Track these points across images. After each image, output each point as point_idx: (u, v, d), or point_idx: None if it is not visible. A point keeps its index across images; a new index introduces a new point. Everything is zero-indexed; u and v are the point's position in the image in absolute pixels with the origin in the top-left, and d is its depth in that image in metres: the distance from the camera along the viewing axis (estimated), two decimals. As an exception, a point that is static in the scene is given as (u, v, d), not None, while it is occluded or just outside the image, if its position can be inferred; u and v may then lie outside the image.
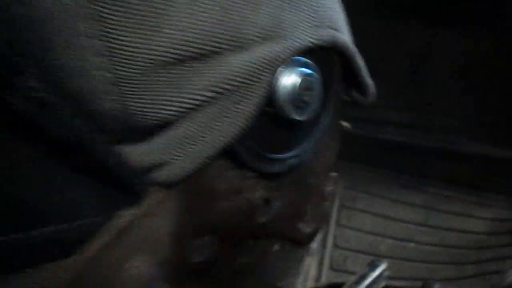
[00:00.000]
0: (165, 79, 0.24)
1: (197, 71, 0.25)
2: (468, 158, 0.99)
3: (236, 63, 0.27)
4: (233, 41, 0.26)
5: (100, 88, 0.23)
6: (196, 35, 0.24)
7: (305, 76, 0.31)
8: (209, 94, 0.26)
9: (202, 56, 0.25)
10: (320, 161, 0.40)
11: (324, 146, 0.40)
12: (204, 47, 0.25)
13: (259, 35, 0.28)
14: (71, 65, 0.22)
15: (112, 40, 0.22)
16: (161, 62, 0.24)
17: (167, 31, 0.23)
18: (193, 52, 0.25)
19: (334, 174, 0.43)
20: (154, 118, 0.25)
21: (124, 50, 0.23)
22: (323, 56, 0.34)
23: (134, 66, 0.23)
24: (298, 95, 0.31)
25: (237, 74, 0.27)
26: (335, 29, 0.33)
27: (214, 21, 0.25)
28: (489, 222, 0.90)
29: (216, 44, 0.25)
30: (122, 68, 0.23)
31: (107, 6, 0.21)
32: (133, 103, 0.24)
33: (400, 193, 0.99)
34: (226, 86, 0.27)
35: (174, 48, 0.24)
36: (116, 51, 0.22)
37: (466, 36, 0.94)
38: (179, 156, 0.28)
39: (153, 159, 0.27)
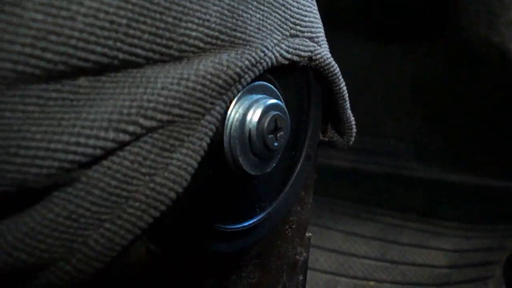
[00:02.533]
0: (23, 107, 0.15)
1: (95, 97, 0.16)
2: (419, 184, 0.96)
3: (166, 80, 0.17)
4: (162, 46, 0.17)
5: None
6: (87, 32, 0.16)
7: (270, 110, 0.21)
8: (119, 136, 0.17)
9: (102, 71, 0.16)
10: (292, 221, 0.30)
11: (295, 202, 0.29)
12: (106, 54, 0.16)
13: (206, 39, 0.18)
14: None
15: None
16: (8, 75, 0.15)
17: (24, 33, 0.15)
18: (83, 61, 0.16)
19: (308, 235, 0.32)
20: (5, 181, 0.15)
21: None
22: (298, 76, 0.24)
23: None
24: (262, 140, 0.20)
25: (166, 100, 0.16)
26: (316, 42, 0.23)
27: (122, 11, 0.16)
28: (449, 253, 0.85)
29: (131, 50, 0.17)
30: None
31: None
32: None
33: (353, 224, 0.93)
34: (148, 123, 0.16)
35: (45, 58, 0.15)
36: None
37: (415, 56, 0.90)
38: (62, 250, 0.17)
39: (17, 258, 0.16)
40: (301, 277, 0.32)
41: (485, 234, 0.85)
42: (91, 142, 0.16)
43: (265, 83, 0.22)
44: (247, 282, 0.27)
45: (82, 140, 0.16)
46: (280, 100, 0.22)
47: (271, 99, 0.21)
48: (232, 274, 0.26)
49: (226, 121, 0.20)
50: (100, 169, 0.17)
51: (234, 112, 0.20)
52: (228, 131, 0.20)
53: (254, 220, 0.24)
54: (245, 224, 0.24)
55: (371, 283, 0.83)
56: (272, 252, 0.29)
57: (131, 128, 0.17)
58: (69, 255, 0.17)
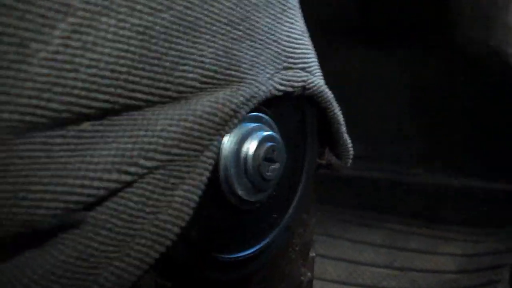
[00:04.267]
0: (30, 153, 0.16)
1: (98, 140, 0.17)
2: (424, 189, 0.96)
3: (166, 122, 0.18)
4: (160, 88, 0.18)
5: None
6: (90, 82, 0.17)
7: (265, 141, 0.21)
8: (121, 176, 0.18)
9: (104, 115, 0.17)
10: (295, 243, 0.30)
11: (299, 224, 0.29)
12: (108, 100, 0.17)
13: (203, 79, 0.19)
14: None
15: None
16: (16, 125, 0.16)
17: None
18: (86, 108, 0.17)
19: (312, 254, 0.33)
20: (14, 223, 0.16)
21: None
22: (292, 105, 0.24)
23: None
24: (258, 171, 0.21)
25: (166, 141, 0.17)
26: (308, 71, 0.24)
27: (122, 59, 0.17)
28: (458, 258, 0.85)
29: (132, 95, 0.18)
30: None
31: None
32: None
33: (361, 232, 0.93)
34: (149, 164, 0.16)
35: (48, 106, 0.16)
36: None
37: (413, 62, 0.91)
38: None
39: None
40: (306, 298, 0.32)
41: (493, 237, 0.85)
42: (95, 183, 0.17)
43: (260, 114, 0.23)
44: (254, 306, 0.28)
45: (86, 182, 0.17)
46: (275, 131, 0.23)
47: (266, 130, 0.22)
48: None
49: (220, 152, 0.21)
50: (106, 210, 0.17)
51: (229, 143, 0.21)
52: (223, 161, 0.21)
53: (257, 247, 0.24)
54: (249, 252, 0.24)
55: (381, 291, 0.83)
56: (276, 275, 0.29)
57: (132, 169, 0.17)
58: None
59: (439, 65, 0.89)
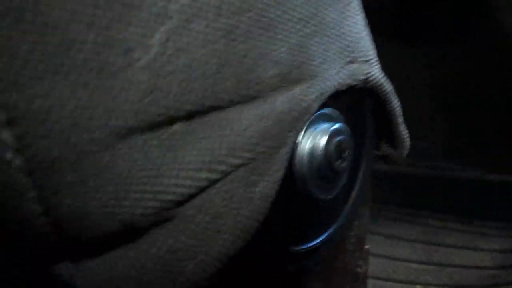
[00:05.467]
0: (130, 156, 0.17)
1: (188, 140, 0.18)
2: (460, 184, 0.95)
3: (248, 122, 0.19)
4: (243, 88, 0.19)
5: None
6: (184, 86, 0.17)
7: (335, 135, 0.22)
8: (211, 175, 0.18)
9: (192, 116, 0.18)
10: (351, 236, 0.31)
11: (355, 218, 0.30)
12: (197, 102, 0.18)
13: (280, 77, 0.19)
14: None
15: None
16: (120, 130, 0.16)
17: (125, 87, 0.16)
18: (181, 111, 0.17)
19: (367, 247, 0.33)
20: (114, 222, 0.17)
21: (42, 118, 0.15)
22: (353, 97, 0.25)
23: (66, 144, 0.16)
24: (329, 164, 0.22)
25: (250, 139, 0.17)
26: (370, 64, 0.24)
27: (211, 61, 0.18)
28: (497, 254, 0.84)
29: (219, 96, 0.18)
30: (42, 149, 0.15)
31: None
32: (70, 201, 0.16)
33: (396, 228, 0.92)
34: (235, 161, 0.17)
35: (141, 110, 0.17)
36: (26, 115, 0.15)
37: (442, 58, 0.89)
38: (163, 281, 0.19)
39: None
40: (361, 290, 0.33)
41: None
42: (187, 182, 0.18)
43: (331, 109, 0.23)
44: (313, 296, 0.28)
45: (179, 181, 0.18)
46: (343, 124, 0.24)
47: (336, 124, 0.23)
48: (300, 290, 0.28)
49: (295, 150, 0.22)
50: (194, 207, 0.18)
51: (304, 140, 0.22)
52: (298, 159, 0.22)
53: (320, 239, 0.25)
54: (312, 243, 0.25)
55: (418, 286, 0.82)
56: (334, 267, 0.30)
57: (221, 167, 0.18)
58: (170, 285, 0.19)
59: (470, 59, 0.88)
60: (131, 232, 0.18)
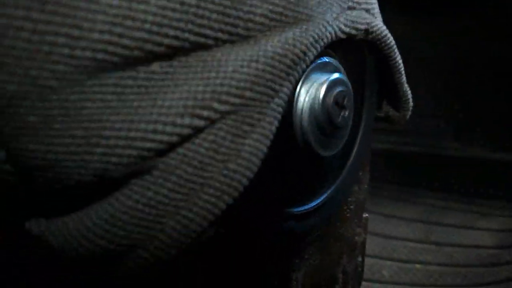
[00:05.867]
0: (102, 96, 0.15)
1: (169, 82, 0.16)
2: (462, 163, 0.94)
3: (237, 63, 0.17)
4: (229, 25, 0.17)
5: None
6: (160, 15, 0.16)
7: (335, 86, 0.20)
8: (194, 121, 0.17)
9: (173, 54, 0.16)
10: (350, 202, 0.29)
11: (354, 182, 0.28)
12: (178, 36, 0.16)
13: (271, 15, 0.18)
14: None
15: None
16: (88, 64, 0.14)
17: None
18: (156, 45, 0.16)
19: (365, 215, 0.32)
20: (87, 171, 0.15)
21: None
22: (353, 50, 0.23)
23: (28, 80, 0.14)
24: (328, 117, 0.20)
25: (238, 83, 0.17)
26: (372, 14, 0.23)
27: None
28: (496, 233, 0.83)
29: (201, 31, 0.17)
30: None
31: None
32: (35, 146, 0.14)
33: (395, 207, 0.91)
34: (222, 107, 0.15)
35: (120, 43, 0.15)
36: None
37: (453, 32, 0.87)
38: (140, 237, 0.17)
39: (97, 244, 0.17)
40: (360, 258, 0.31)
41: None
42: (168, 129, 0.16)
43: (330, 59, 0.22)
44: (309, 264, 0.27)
45: (159, 127, 0.16)
46: (344, 75, 0.22)
47: (335, 74, 0.21)
48: (295, 257, 0.26)
49: (294, 102, 0.20)
50: (177, 156, 0.17)
51: (303, 92, 0.20)
52: (297, 112, 0.20)
53: (318, 201, 0.24)
54: (309, 206, 0.23)
55: (417, 265, 0.82)
56: (332, 234, 0.28)
57: (205, 113, 0.16)
58: (147, 242, 0.17)
59: (483, 40, 0.86)
60: (106, 183, 0.16)
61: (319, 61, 0.21)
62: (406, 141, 0.98)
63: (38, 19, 0.14)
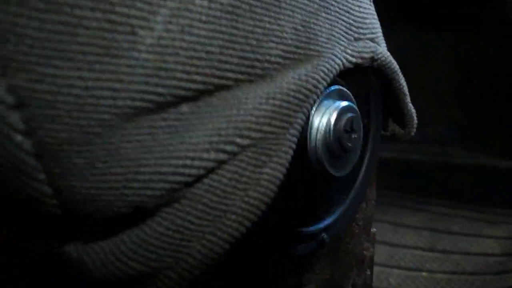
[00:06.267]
0: (138, 137, 0.17)
1: (195, 121, 0.18)
2: (468, 171, 0.94)
3: (256, 101, 0.19)
4: (248, 67, 0.19)
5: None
6: (189, 65, 0.17)
7: (345, 113, 0.22)
8: (219, 155, 0.18)
9: (199, 97, 0.18)
10: (358, 218, 0.31)
11: (362, 200, 0.30)
12: (203, 81, 0.18)
13: (285, 55, 0.20)
14: None
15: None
16: (127, 111, 0.16)
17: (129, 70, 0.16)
18: (185, 90, 0.17)
19: (373, 230, 0.33)
20: (124, 204, 0.17)
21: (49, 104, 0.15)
22: (359, 77, 0.25)
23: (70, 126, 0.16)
24: (339, 142, 0.22)
25: (258, 119, 0.18)
26: (376, 42, 0.24)
27: (215, 40, 0.18)
28: (503, 241, 0.84)
29: (224, 75, 0.18)
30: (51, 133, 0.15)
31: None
32: (80, 183, 0.16)
33: (402, 215, 0.92)
34: (243, 142, 0.17)
35: (146, 91, 0.16)
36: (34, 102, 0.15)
37: (455, 39, 0.89)
38: (169, 260, 0.19)
39: (130, 266, 0.19)
40: (368, 272, 0.33)
41: (541, 220, 0.83)
42: (196, 163, 0.18)
43: (339, 87, 0.23)
44: (320, 278, 0.28)
45: (188, 162, 0.18)
46: (353, 102, 0.24)
47: (344, 101, 0.23)
48: (307, 272, 0.28)
49: (308, 130, 0.22)
50: (202, 187, 0.18)
51: (315, 119, 0.22)
52: (312, 138, 0.22)
53: (329, 221, 0.25)
54: (321, 225, 0.25)
55: (424, 273, 0.83)
56: (341, 249, 0.30)
57: (229, 147, 0.18)
58: (175, 264, 0.19)
59: (484, 45, 0.87)
60: (140, 212, 0.18)
61: (329, 90, 0.23)
62: (412, 150, 0.99)
63: (88, 77, 0.15)
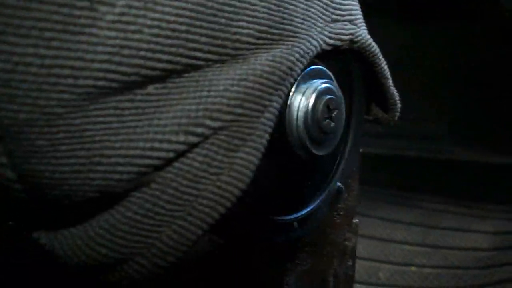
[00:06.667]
0: (103, 118, 0.16)
1: (163, 103, 0.17)
2: (459, 167, 0.95)
3: (227, 82, 0.19)
4: (218, 46, 0.18)
5: None
6: (154, 43, 0.17)
7: (325, 93, 0.22)
8: (188, 138, 0.18)
9: (167, 77, 0.17)
10: (339, 208, 0.31)
11: (344, 187, 0.30)
12: (170, 60, 0.17)
13: (258, 34, 0.19)
14: None
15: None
16: (90, 91, 0.16)
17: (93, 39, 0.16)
18: (151, 69, 0.17)
19: (355, 220, 0.33)
20: (90, 188, 0.17)
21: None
22: (339, 60, 0.25)
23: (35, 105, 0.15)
24: (317, 123, 0.22)
25: (229, 101, 0.17)
26: (355, 24, 0.24)
27: (181, 18, 0.17)
28: (492, 236, 0.84)
29: (192, 54, 0.18)
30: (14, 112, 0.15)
31: None
32: (44, 167, 0.16)
33: (392, 210, 0.92)
34: (214, 124, 0.17)
35: (114, 68, 0.16)
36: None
37: (450, 35, 0.89)
38: (139, 245, 0.18)
39: (98, 252, 0.18)
40: (350, 262, 0.33)
41: (528, 215, 0.83)
42: (165, 146, 0.17)
43: (318, 67, 0.23)
44: (301, 269, 0.28)
45: (156, 145, 0.17)
46: (332, 83, 0.23)
47: (323, 83, 0.22)
48: (287, 261, 0.28)
49: (286, 113, 0.21)
50: (172, 170, 0.18)
51: (294, 102, 0.22)
52: (291, 121, 0.22)
53: (308, 209, 0.25)
54: (299, 214, 0.25)
55: (412, 268, 0.83)
56: (322, 239, 0.30)
57: (199, 130, 0.18)
58: (146, 250, 0.19)
59: (478, 41, 0.87)
60: (108, 197, 0.17)
61: (307, 71, 0.22)
62: (403, 145, 0.99)
63: (45, 54, 0.15)
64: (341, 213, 0.31)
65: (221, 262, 0.25)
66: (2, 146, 0.15)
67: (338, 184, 0.27)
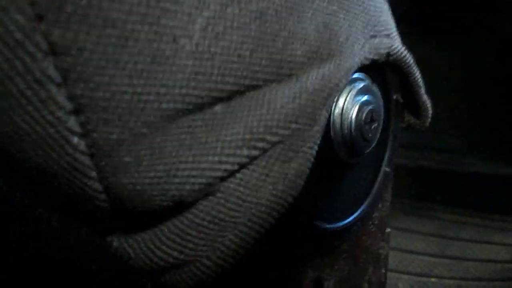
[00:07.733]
0: (178, 136, 0.18)
1: (229, 120, 0.19)
2: (476, 179, 0.95)
3: (283, 100, 0.20)
4: (276, 67, 0.20)
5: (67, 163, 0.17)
6: (223, 68, 0.18)
7: (366, 104, 0.23)
8: (251, 152, 0.20)
9: (232, 97, 0.19)
10: (374, 218, 0.32)
11: (379, 197, 0.31)
12: (236, 82, 0.19)
13: (310, 55, 0.21)
14: None
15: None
16: (170, 113, 0.18)
17: (168, 74, 0.18)
18: (220, 92, 0.19)
19: (388, 230, 0.34)
20: (166, 198, 0.18)
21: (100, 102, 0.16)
22: (377, 71, 0.26)
23: (120, 128, 0.17)
24: (361, 133, 0.23)
25: (286, 117, 0.19)
26: (391, 38, 0.26)
27: (246, 44, 0.19)
28: (512, 248, 0.84)
29: (254, 76, 0.19)
30: (104, 131, 0.17)
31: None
32: (128, 180, 0.17)
33: (409, 221, 0.93)
34: (273, 138, 0.19)
35: (184, 93, 0.18)
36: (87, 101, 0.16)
37: (465, 50, 0.90)
38: (205, 248, 0.20)
39: (170, 255, 0.20)
40: (383, 270, 0.34)
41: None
42: (230, 159, 0.19)
43: (358, 78, 0.25)
44: (339, 275, 0.30)
45: (223, 158, 0.19)
46: (372, 95, 0.25)
47: (365, 95, 0.24)
48: (327, 268, 0.29)
49: (331, 124, 0.23)
50: (234, 181, 0.20)
51: (338, 114, 0.23)
52: (333, 131, 0.23)
53: (350, 219, 0.26)
54: (342, 223, 0.26)
55: (433, 279, 0.83)
56: (359, 247, 0.31)
57: (260, 144, 0.20)
58: (211, 253, 0.20)
59: (492, 54, 0.88)
60: (179, 205, 0.19)
61: (350, 85, 0.24)
62: (422, 157, 0.99)
63: (137, 84, 0.17)
64: (376, 222, 0.32)
65: (263, 265, 0.27)
66: (93, 162, 0.17)
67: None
